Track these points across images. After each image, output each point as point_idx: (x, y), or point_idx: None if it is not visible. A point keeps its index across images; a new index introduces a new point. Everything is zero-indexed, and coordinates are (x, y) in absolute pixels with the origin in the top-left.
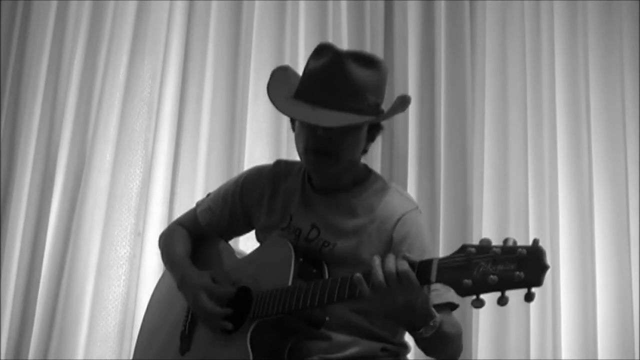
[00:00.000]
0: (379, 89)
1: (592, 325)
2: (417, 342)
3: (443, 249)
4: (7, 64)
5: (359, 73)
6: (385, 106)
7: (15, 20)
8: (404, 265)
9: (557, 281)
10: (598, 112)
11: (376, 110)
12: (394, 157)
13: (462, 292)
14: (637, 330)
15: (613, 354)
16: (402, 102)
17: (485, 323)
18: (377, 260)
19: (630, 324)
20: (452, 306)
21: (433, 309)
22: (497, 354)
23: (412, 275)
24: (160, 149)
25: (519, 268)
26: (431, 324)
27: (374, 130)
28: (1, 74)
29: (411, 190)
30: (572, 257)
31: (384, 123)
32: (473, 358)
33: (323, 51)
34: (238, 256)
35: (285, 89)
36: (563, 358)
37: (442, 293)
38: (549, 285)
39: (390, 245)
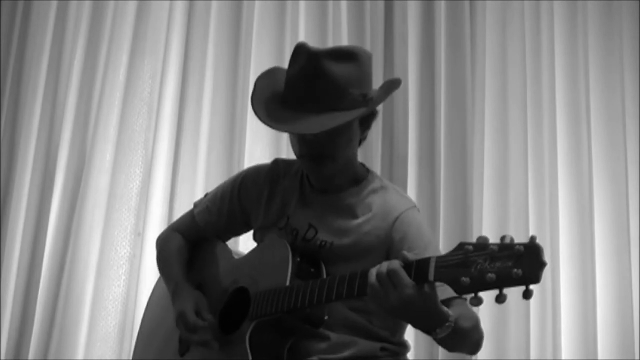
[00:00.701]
0: (362, 80)
1: (592, 325)
2: (437, 342)
3: (443, 249)
4: (7, 64)
5: (337, 70)
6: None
7: (15, 20)
8: (394, 264)
9: (557, 281)
10: (598, 112)
11: (363, 101)
12: (394, 157)
13: (460, 290)
14: (637, 330)
15: (613, 354)
16: (389, 88)
17: (485, 323)
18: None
19: (630, 324)
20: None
21: (444, 309)
22: (497, 354)
23: (402, 273)
24: (160, 149)
25: (517, 265)
26: (446, 324)
27: (367, 118)
28: (1, 74)
29: (411, 190)
30: (572, 257)
31: (379, 109)
32: (473, 358)
33: (298, 53)
34: (236, 257)
35: (272, 95)
36: (563, 358)
37: (446, 287)
38: (549, 285)
39: (388, 244)
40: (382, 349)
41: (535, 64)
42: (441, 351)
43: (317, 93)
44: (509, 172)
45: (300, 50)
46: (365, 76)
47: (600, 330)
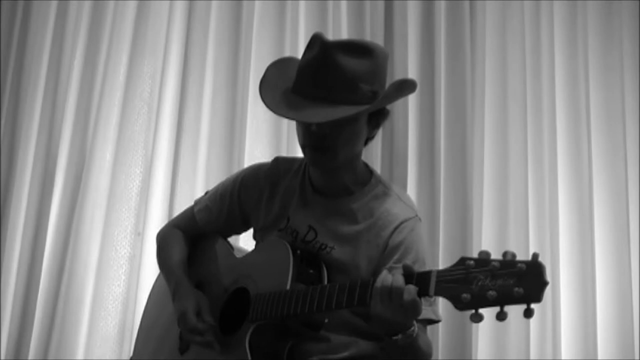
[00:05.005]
0: (374, 77)
1: (592, 325)
2: (386, 349)
3: (443, 251)
4: (7, 64)
5: (349, 63)
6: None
7: (15, 20)
8: (399, 282)
9: (557, 281)
10: (598, 112)
11: (372, 98)
12: (394, 157)
13: (461, 306)
14: (637, 330)
15: (613, 354)
16: (400, 88)
17: (485, 323)
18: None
19: (630, 324)
20: (429, 322)
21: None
22: (497, 354)
23: (405, 294)
24: (160, 149)
25: (518, 283)
26: (409, 332)
27: (377, 117)
28: (1, 74)
29: (411, 190)
30: (572, 257)
31: (390, 108)
32: (473, 358)
33: (313, 43)
34: (236, 255)
35: (282, 83)
36: (563, 358)
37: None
38: (548, 286)
39: (384, 251)
40: (382, 349)
41: (535, 64)
42: (441, 352)
43: (325, 84)
44: (509, 172)
45: (315, 40)
46: (378, 73)
47: (600, 330)
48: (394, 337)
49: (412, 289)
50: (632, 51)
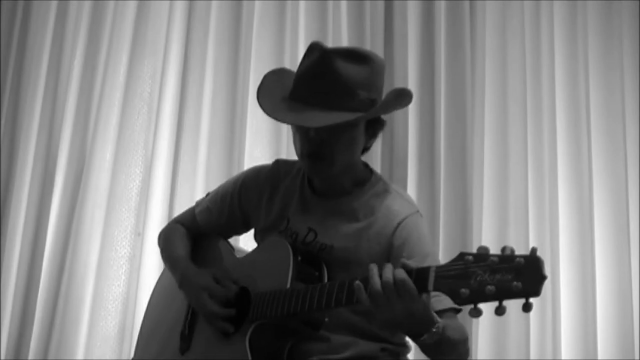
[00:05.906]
0: (371, 85)
1: (592, 325)
2: (422, 349)
3: (443, 250)
4: (7, 64)
5: (347, 70)
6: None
7: (15, 20)
8: (402, 274)
9: (557, 281)
10: (598, 112)
11: (370, 106)
12: (394, 157)
13: (460, 301)
14: (637, 330)
15: (613, 354)
16: (399, 96)
17: (485, 323)
18: (374, 269)
19: (630, 324)
20: (456, 310)
21: (434, 315)
22: (497, 354)
23: (410, 284)
24: (160, 149)
25: (517, 278)
26: (434, 329)
27: (374, 125)
28: (1, 74)
29: (411, 190)
30: (572, 257)
31: (386, 118)
32: (473, 358)
33: (312, 50)
34: (237, 255)
35: (279, 91)
36: (563, 358)
37: (443, 299)
38: (548, 286)
39: (389, 250)
40: (383, 349)
41: (535, 64)
42: None
43: (324, 90)
44: (509, 172)
45: (314, 48)
46: (376, 82)
47: (600, 330)
48: (421, 339)
49: (399, 271)
50: (632, 51)
